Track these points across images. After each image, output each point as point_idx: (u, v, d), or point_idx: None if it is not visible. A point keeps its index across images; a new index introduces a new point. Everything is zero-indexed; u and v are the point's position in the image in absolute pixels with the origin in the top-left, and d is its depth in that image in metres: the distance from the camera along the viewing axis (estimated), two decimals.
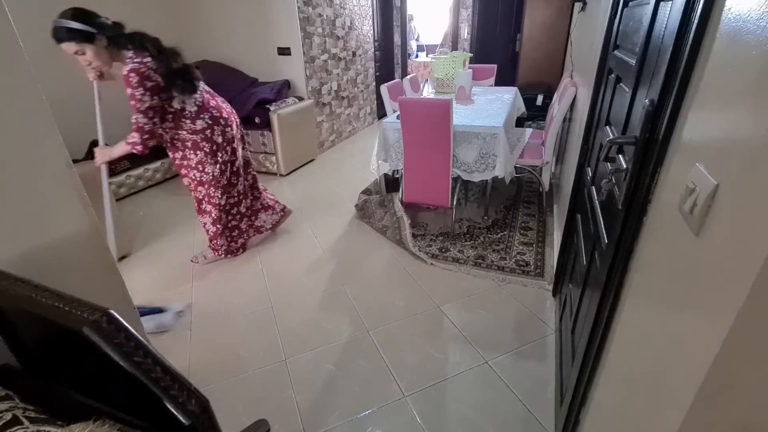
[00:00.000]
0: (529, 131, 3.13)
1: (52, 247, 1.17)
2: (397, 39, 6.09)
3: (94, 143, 3.32)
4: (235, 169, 2.19)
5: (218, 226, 2.26)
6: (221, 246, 2.35)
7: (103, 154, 1.90)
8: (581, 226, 1.49)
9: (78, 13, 1.65)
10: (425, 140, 2.36)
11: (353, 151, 4.58)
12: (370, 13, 5.17)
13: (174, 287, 2.21)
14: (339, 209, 3.06)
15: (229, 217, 2.29)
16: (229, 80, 3.85)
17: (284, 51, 3.90)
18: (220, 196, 2.16)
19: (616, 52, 1.28)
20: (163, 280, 2.29)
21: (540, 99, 4.03)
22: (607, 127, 1.22)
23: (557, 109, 2.54)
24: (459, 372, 1.58)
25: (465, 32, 5.61)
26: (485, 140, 2.37)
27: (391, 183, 3.14)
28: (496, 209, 2.89)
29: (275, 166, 3.75)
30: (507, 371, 1.57)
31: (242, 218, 2.37)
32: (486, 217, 2.76)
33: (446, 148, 2.33)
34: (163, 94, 1.82)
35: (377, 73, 5.66)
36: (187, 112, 1.92)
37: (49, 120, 1.11)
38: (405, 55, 6.26)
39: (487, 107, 2.91)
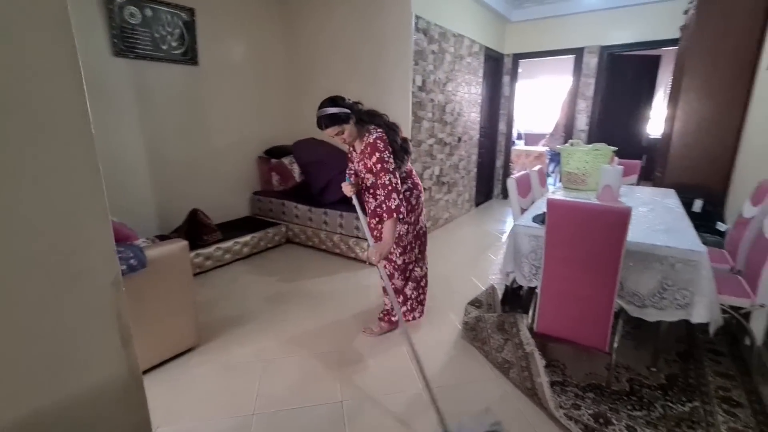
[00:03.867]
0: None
1: (72, 401, 0.75)
2: (502, 127, 5.80)
3: (193, 212, 3.29)
4: (415, 233, 2.18)
5: (390, 283, 2.09)
6: (386, 305, 2.26)
7: (379, 251, 1.87)
8: None
9: (335, 100, 1.90)
10: (580, 257, 1.73)
11: (449, 241, 4.06)
12: (479, 100, 4.98)
13: (231, 401, 1.73)
14: (439, 320, 2.45)
15: (403, 279, 2.22)
16: (331, 159, 3.71)
17: None
18: (398, 255, 2.14)
19: None
20: (223, 389, 1.83)
21: (699, 205, 3.20)
22: None
23: None
24: None
25: (583, 122, 5.11)
26: (673, 267, 1.67)
27: (509, 296, 2.49)
28: (666, 356, 2.04)
29: (365, 253, 3.34)
30: None
31: (408, 282, 2.25)
32: (655, 370, 1.93)
33: (612, 272, 1.67)
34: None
35: (479, 160, 5.31)
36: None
37: (103, 218, 0.75)
38: (509, 142, 5.89)
39: (651, 215, 2.23)
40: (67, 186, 0.69)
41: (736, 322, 1.98)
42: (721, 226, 2.96)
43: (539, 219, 2.01)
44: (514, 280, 2.17)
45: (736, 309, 1.86)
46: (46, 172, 0.67)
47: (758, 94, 2.86)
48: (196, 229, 3.16)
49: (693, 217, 3.23)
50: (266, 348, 2.17)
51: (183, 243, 1.96)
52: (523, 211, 2.47)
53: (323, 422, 1.65)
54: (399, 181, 1.92)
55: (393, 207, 1.84)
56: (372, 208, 2.10)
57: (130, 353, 0.83)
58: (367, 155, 1.93)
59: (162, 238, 2.13)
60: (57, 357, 0.72)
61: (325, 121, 1.88)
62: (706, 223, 3.13)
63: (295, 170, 3.87)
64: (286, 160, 3.92)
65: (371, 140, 1.89)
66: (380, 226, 2.09)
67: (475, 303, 2.51)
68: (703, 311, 1.59)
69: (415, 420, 1.66)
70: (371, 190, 2.05)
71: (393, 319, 2.28)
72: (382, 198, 1.89)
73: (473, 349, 2.15)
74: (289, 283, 3.01)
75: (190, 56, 3.39)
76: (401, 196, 1.89)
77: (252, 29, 3.86)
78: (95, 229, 0.73)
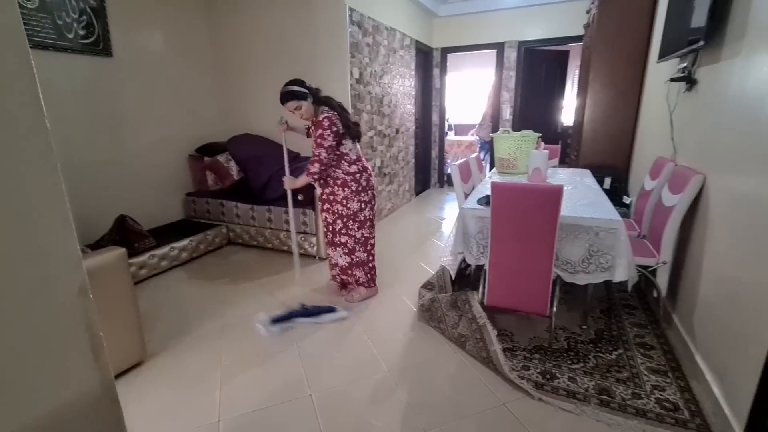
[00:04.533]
0: None
1: (40, 423, 0.68)
2: (435, 118, 6.04)
3: (121, 218, 3.00)
4: (373, 212, 2.54)
5: (351, 257, 2.51)
6: (359, 277, 2.55)
7: (291, 182, 2.40)
8: None
9: (296, 81, 2.29)
10: (521, 233, 1.91)
11: (395, 230, 4.18)
12: (413, 93, 5.13)
13: (192, 412, 1.65)
14: (394, 306, 2.54)
15: (365, 251, 2.53)
16: (270, 154, 3.59)
17: None
18: (356, 230, 2.47)
19: None
20: (181, 401, 1.73)
21: (608, 182, 3.65)
22: None
23: (670, 198, 2.11)
24: None
25: (507, 113, 5.51)
26: (597, 236, 1.92)
27: (457, 276, 2.64)
28: (593, 314, 2.34)
29: (314, 248, 3.32)
30: None
31: (370, 255, 2.58)
32: (585, 327, 2.21)
33: (549, 244, 1.87)
34: (339, 138, 2.29)
35: (416, 151, 5.49)
36: (348, 156, 2.36)
37: (65, 220, 0.69)
38: (443, 133, 6.16)
39: (575, 192, 2.50)
40: (24, 185, 0.63)
41: (644, 279, 2.32)
42: (626, 199, 3.42)
43: (483, 201, 2.17)
44: (463, 260, 2.32)
45: (645, 267, 2.18)
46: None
47: (648, 83, 3.33)
48: (124, 237, 2.89)
49: (604, 192, 3.70)
50: (221, 353, 2.08)
51: (120, 251, 1.80)
52: (466, 195, 2.64)
53: (294, 417, 1.64)
54: (327, 158, 2.28)
55: (312, 171, 2.29)
56: (334, 179, 2.41)
57: (103, 366, 0.77)
58: (315, 130, 2.28)
59: (93, 247, 1.93)
60: (20, 376, 0.65)
61: (286, 96, 2.24)
62: (614, 197, 3.57)
63: (233, 168, 3.69)
64: (221, 158, 3.71)
65: (320, 118, 2.26)
66: (327, 190, 2.45)
67: (428, 286, 2.64)
68: (623, 271, 1.85)
69: (384, 402, 1.72)
70: (333, 163, 2.36)
71: (372, 283, 2.62)
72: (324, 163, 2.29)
73: (430, 328, 2.27)
74: (236, 285, 2.89)
75: (102, 46, 3.05)
76: (322, 167, 2.28)
77: (174, 18, 3.57)
78: (57, 233, 0.67)
